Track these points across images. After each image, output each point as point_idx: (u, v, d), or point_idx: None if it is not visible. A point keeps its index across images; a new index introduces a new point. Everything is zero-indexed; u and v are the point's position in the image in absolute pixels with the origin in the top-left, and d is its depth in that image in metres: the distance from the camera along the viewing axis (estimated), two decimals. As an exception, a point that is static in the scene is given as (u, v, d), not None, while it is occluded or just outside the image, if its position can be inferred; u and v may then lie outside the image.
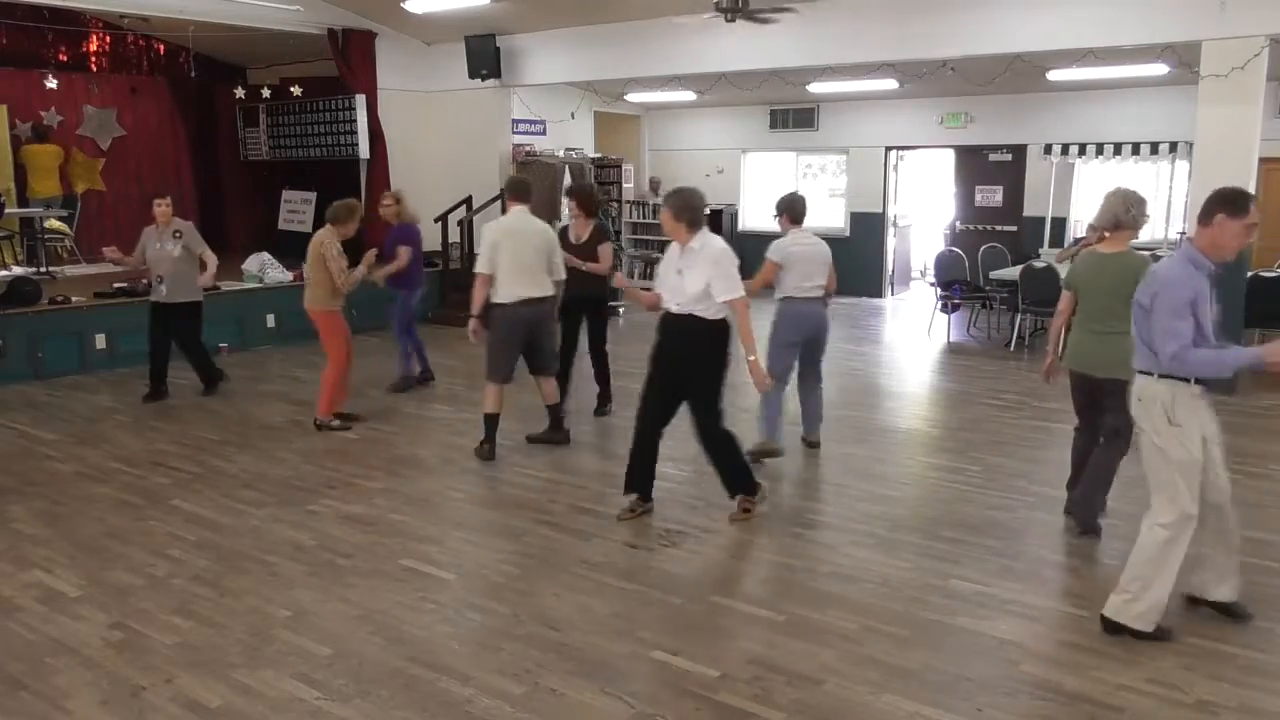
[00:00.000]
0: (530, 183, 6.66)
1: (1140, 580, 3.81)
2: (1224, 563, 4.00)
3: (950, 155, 14.34)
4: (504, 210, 6.61)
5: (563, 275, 6.40)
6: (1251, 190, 7.99)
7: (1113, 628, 3.89)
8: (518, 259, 6.09)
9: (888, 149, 14.18)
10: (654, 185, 14.49)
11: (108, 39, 13.21)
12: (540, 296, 6.22)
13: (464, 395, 8.13)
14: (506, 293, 6.11)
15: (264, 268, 10.54)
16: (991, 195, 13.86)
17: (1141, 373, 3.81)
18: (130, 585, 4.45)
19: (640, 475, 5.25)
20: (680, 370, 5.02)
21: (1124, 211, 4.75)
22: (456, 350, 9.53)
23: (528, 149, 12.67)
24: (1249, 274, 8.61)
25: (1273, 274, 9.36)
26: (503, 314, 6.15)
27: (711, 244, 4.87)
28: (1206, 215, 3.71)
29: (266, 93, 13.00)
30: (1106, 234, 4.87)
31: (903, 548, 4.86)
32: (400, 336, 8.27)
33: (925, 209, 15.83)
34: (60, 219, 11.96)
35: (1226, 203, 3.69)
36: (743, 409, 6.96)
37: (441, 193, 11.98)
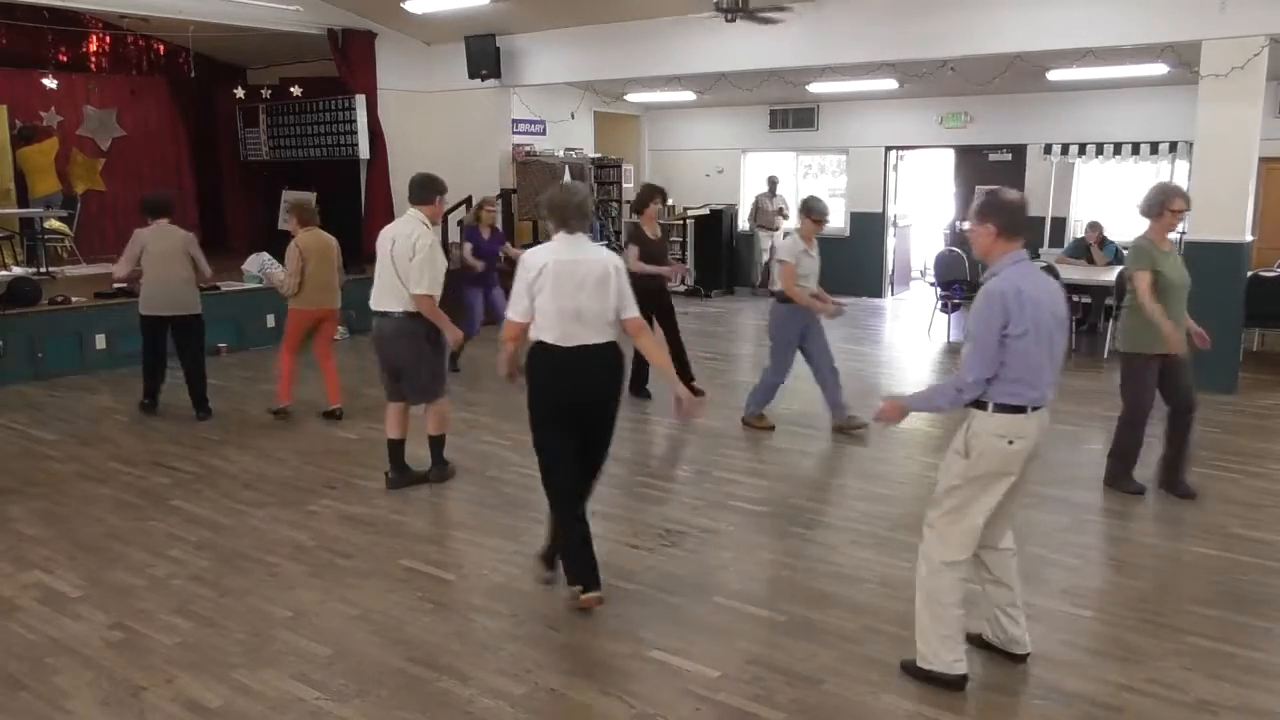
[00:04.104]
0: (432, 181, 5.59)
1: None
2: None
3: (950, 155, 14.34)
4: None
5: (421, 290, 5.39)
6: (1252, 191, 8.07)
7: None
8: (378, 267, 5.59)
9: (888, 149, 14.18)
10: (772, 185, 14.17)
11: (108, 39, 13.20)
12: (386, 311, 5.53)
13: (463, 395, 8.13)
14: (372, 302, 5.65)
15: (264, 268, 10.53)
16: (991, 195, 13.84)
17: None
18: (130, 585, 4.45)
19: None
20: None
21: None
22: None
23: (528, 149, 12.67)
24: (1249, 274, 8.61)
25: (1272, 274, 9.35)
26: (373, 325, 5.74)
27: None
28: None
29: (266, 93, 13.02)
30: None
31: (903, 548, 4.85)
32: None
33: (925, 209, 15.82)
34: (60, 219, 11.96)
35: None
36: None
37: (441, 193, 11.96)
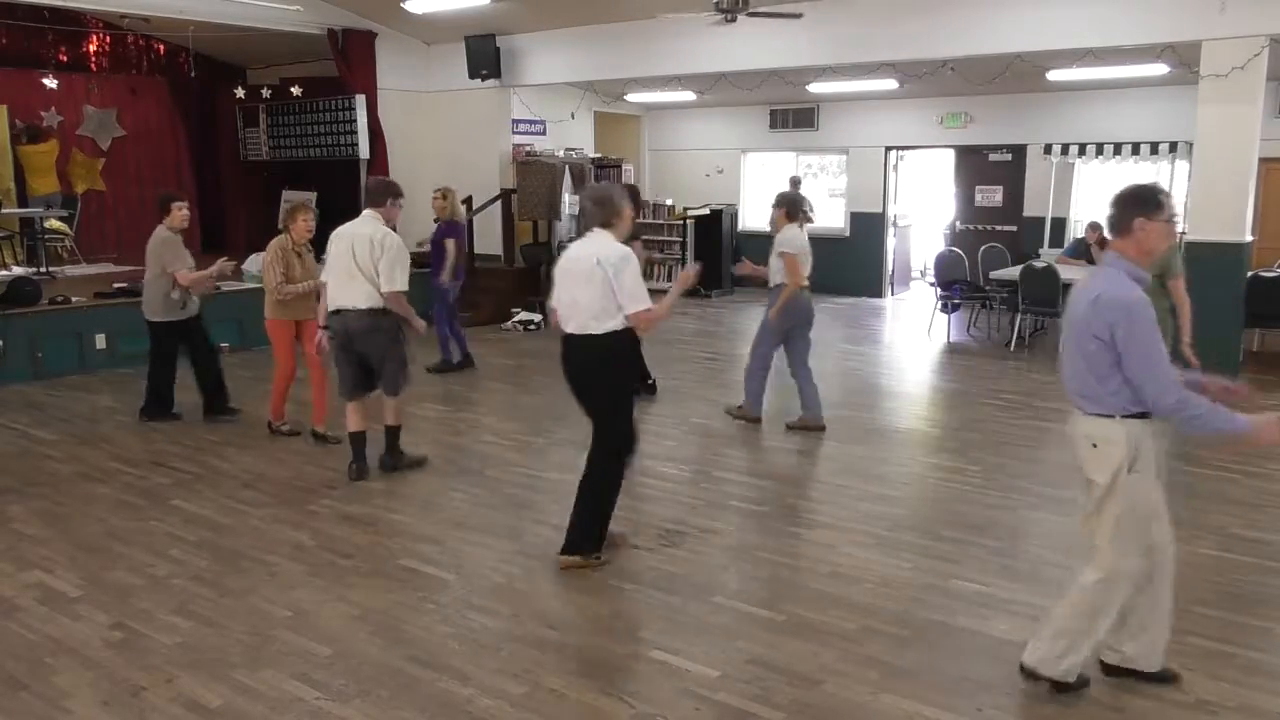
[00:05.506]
0: (387, 186, 5.96)
1: (1078, 633, 3.39)
2: (1150, 620, 3.48)
3: (950, 155, 14.34)
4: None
5: (396, 288, 5.63)
6: (1252, 191, 8.08)
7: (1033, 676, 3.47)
8: (336, 266, 5.70)
9: (888, 149, 14.17)
10: (794, 186, 13.87)
11: (108, 39, 13.20)
12: (352, 308, 5.64)
13: (462, 395, 8.15)
14: (330, 301, 5.77)
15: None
16: (991, 195, 13.86)
17: (1099, 415, 3.25)
18: (130, 585, 4.45)
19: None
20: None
21: None
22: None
23: (528, 149, 12.67)
24: (1249, 274, 8.62)
25: (1272, 274, 9.36)
26: (330, 324, 5.85)
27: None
28: (1123, 221, 3.22)
29: (266, 93, 13.02)
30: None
31: (903, 548, 4.86)
32: (439, 325, 8.82)
33: (925, 209, 15.83)
34: (60, 219, 11.97)
35: (1141, 203, 3.23)
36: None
37: (441, 193, 11.97)
